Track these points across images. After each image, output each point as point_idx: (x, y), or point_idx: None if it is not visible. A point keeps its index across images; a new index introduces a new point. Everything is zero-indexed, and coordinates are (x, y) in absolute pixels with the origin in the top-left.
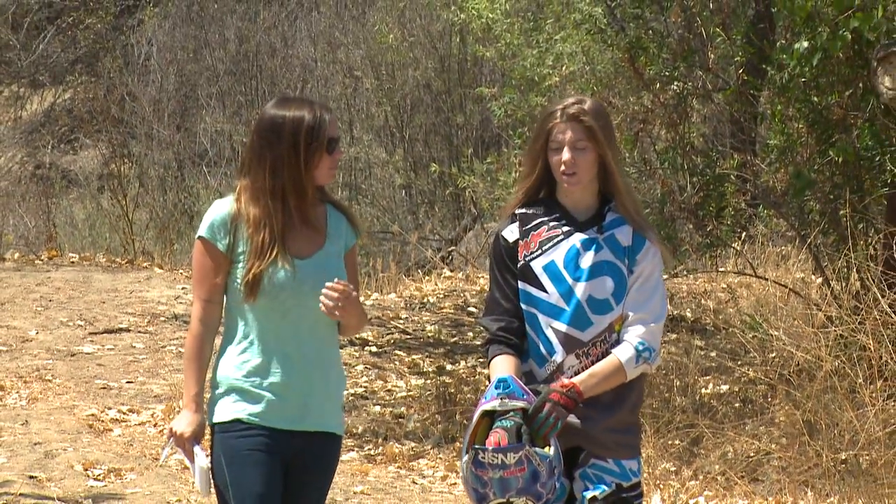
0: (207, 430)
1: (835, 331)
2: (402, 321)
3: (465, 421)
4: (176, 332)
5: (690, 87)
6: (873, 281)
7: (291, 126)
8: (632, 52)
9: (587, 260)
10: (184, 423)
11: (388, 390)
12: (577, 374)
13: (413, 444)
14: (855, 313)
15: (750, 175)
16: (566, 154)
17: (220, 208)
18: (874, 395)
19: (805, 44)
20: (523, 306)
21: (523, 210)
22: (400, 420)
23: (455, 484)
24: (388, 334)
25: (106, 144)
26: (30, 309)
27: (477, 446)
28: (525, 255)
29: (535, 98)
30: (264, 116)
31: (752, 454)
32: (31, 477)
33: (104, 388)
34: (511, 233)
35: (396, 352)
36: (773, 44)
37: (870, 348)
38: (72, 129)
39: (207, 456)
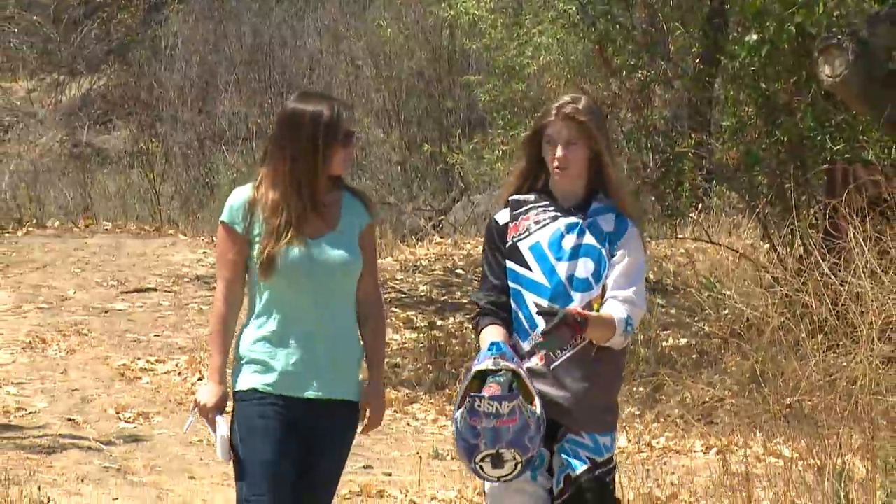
0: (230, 402)
1: (780, 291)
2: (397, 282)
3: (453, 370)
4: (198, 291)
5: (653, 74)
6: (815, 246)
7: (311, 119)
8: (601, 43)
9: (569, 242)
10: (207, 394)
11: (386, 343)
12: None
13: (407, 391)
14: (798, 275)
15: (706, 153)
16: (559, 151)
17: (240, 195)
18: (815, 347)
19: (755, 36)
20: (510, 283)
21: (516, 197)
22: (396, 369)
23: (444, 426)
24: (385, 294)
25: (136, 125)
26: (68, 271)
27: (474, 394)
28: (513, 237)
29: (516, 85)
30: (286, 110)
31: (707, 400)
32: (70, 419)
33: (134, 340)
34: (503, 216)
35: (393, 309)
36: (727, 36)
37: (811, 306)
38: (106, 112)
39: (228, 426)
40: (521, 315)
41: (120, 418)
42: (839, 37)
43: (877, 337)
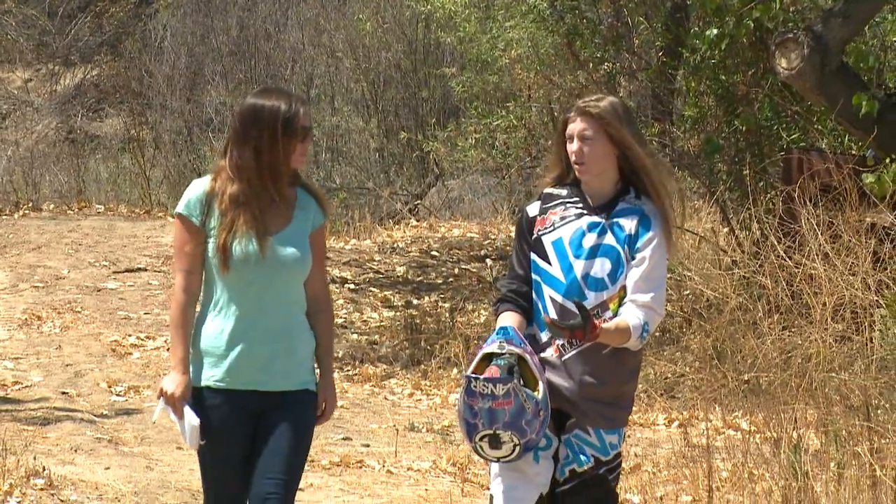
0: None
1: (739, 272)
2: (375, 263)
3: (428, 347)
4: None
5: (618, 67)
6: (771, 230)
7: (270, 114)
8: (569, 37)
9: (589, 240)
10: (173, 384)
11: (364, 321)
12: (569, 343)
13: (385, 366)
14: (755, 258)
15: (668, 141)
16: (575, 144)
17: (197, 187)
18: (772, 326)
19: (714, 31)
20: (532, 274)
21: (549, 191)
22: (374, 346)
23: (420, 400)
24: (363, 274)
25: (127, 113)
26: (62, 251)
27: (470, 374)
28: (539, 230)
29: (488, 76)
30: (246, 104)
31: (669, 376)
32: (64, 393)
33: (125, 318)
34: (533, 209)
35: (371, 289)
36: (688, 31)
37: (768, 287)
38: (98, 101)
39: (196, 414)
40: (539, 306)
41: (111, 392)
42: (795, 31)
43: (829, 316)
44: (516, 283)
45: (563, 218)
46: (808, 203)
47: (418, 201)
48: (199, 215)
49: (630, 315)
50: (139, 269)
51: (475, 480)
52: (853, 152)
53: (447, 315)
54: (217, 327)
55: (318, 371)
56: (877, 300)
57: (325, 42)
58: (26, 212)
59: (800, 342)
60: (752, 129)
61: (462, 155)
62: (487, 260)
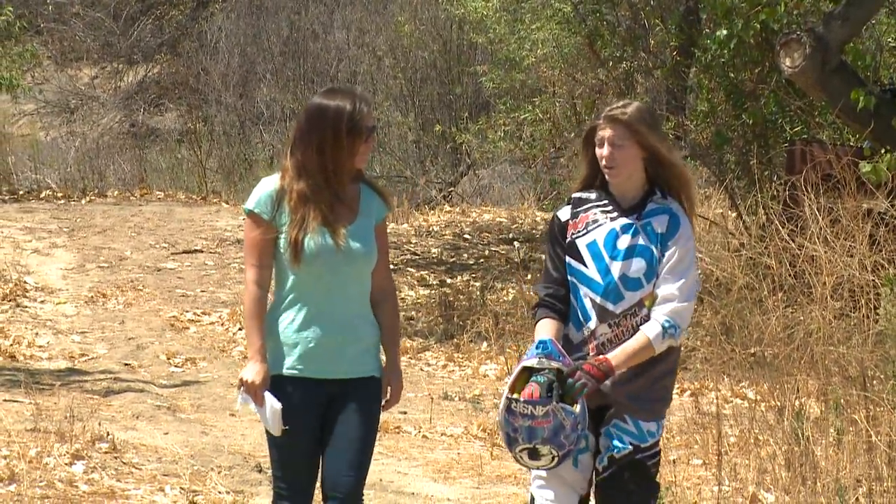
0: None
1: (746, 254)
2: (412, 245)
3: (460, 322)
4: (239, 252)
5: (636, 65)
6: (776, 216)
7: (335, 114)
8: (591, 38)
9: (623, 242)
10: (252, 372)
11: (402, 298)
12: (608, 341)
13: (421, 340)
14: (761, 241)
15: (682, 133)
16: (605, 150)
17: (267, 185)
18: (776, 304)
19: (724, 32)
20: (569, 277)
21: (578, 195)
22: (411, 321)
23: (453, 371)
24: (401, 255)
25: (185, 108)
26: (126, 234)
27: (511, 396)
28: (572, 234)
29: (516, 74)
30: (312, 104)
31: (681, 349)
32: (126, 364)
33: (183, 295)
34: (564, 213)
35: (408, 269)
36: (700, 32)
37: (773, 268)
38: (159, 96)
39: (278, 399)
40: (576, 307)
41: (170, 363)
42: (798, 32)
43: (829, 295)
44: (553, 287)
45: (595, 221)
46: (809, 191)
47: (451, 188)
48: (270, 211)
49: (648, 327)
50: (196, 251)
51: (503, 445)
52: (851, 144)
53: (478, 293)
54: (289, 319)
55: (384, 358)
56: (873, 280)
57: (368, 42)
58: (92, 198)
59: (802, 318)
60: (759, 122)
61: (492, 146)
62: (515, 242)
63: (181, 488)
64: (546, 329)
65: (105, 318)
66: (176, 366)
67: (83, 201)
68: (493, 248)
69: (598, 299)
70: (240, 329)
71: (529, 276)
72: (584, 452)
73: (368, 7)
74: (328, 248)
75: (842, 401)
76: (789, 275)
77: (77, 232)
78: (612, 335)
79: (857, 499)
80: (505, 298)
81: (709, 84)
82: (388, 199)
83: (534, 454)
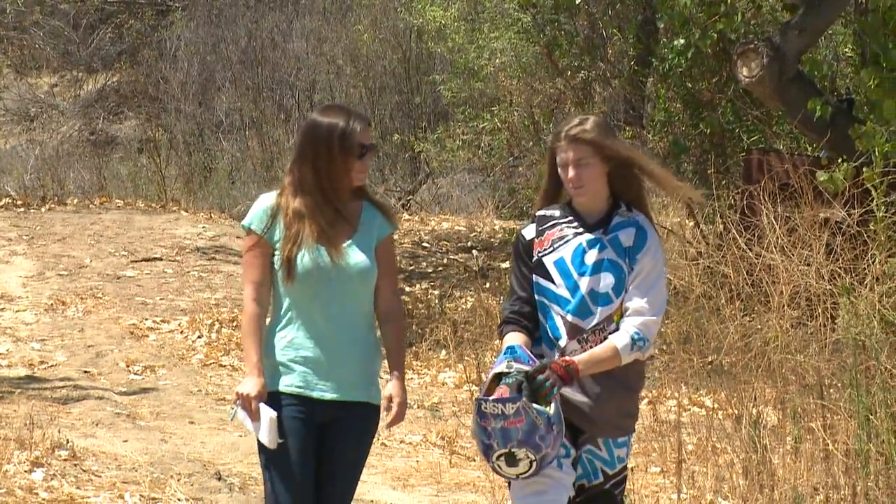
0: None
1: (703, 263)
2: None
3: (419, 330)
4: (198, 260)
5: (594, 74)
6: (733, 224)
7: (327, 131)
8: (549, 47)
9: (591, 257)
10: (248, 386)
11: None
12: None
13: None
14: (719, 249)
15: (639, 143)
16: (571, 172)
17: (264, 201)
18: (733, 312)
19: (681, 41)
20: (536, 296)
21: (542, 213)
22: None
23: (411, 379)
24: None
25: (144, 116)
26: (85, 242)
27: (479, 397)
28: (539, 252)
29: (475, 83)
30: (308, 122)
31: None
32: (86, 371)
33: (142, 303)
34: (529, 231)
35: None
36: (657, 41)
37: (730, 277)
38: (118, 105)
39: (273, 410)
40: (546, 326)
41: (129, 371)
42: (755, 42)
43: (786, 303)
44: (518, 304)
45: (561, 238)
46: (766, 199)
47: (410, 197)
48: (266, 228)
49: (617, 337)
50: (155, 259)
51: (462, 452)
52: (808, 153)
53: (436, 301)
54: (285, 337)
55: (389, 377)
56: (830, 289)
57: (327, 51)
58: (52, 206)
59: (759, 327)
60: (716, 131)
61: (450, 155)
62: (474, 251)
63: (141, 495)
64: (513, 339)
65: (64, 325)
66: (135, 373)
67: (43, 209)
68: (451, 257)
69: (568, 317)
70: (199, 337)
71: (488, 285)
72: (567, 458)
73: (327, 16)
74: (322, 264)
75: (799, 409)
76: (747, 283)
77: (36, 240)
78: (581, 351)
79: None
80: (463, 307)
81: (666, 93)
82: (391, 217)
83: (511, 460)
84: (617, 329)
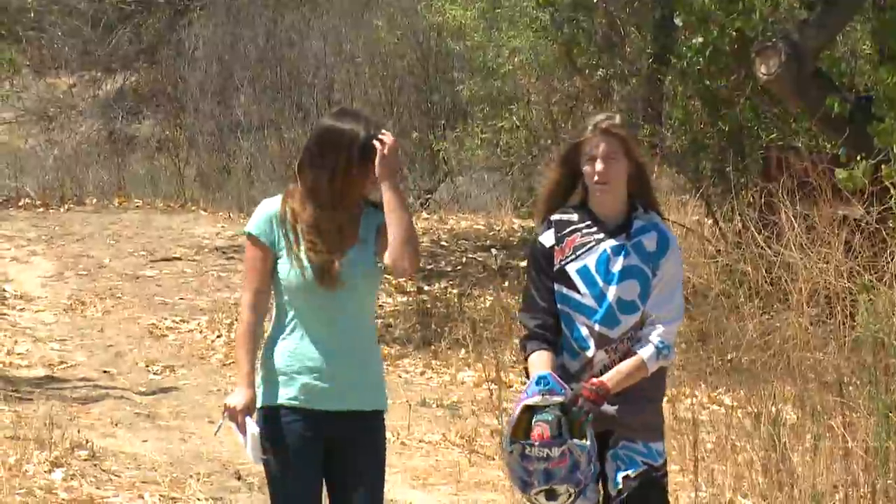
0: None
1: (722, 261)
2: None
3: (438, 329)
4: (217, 260)
5: (612, 72)
6: (751, 222)
7: (348, 139)
8: (567, 45)
9: (617, 265)
10: (237, 398)
11: (380, 305)
12: (605, 367)
13: (399, 347)
14: (738, 247)
15: (658, 141)
16: (599, 165)
17: (267, 207)
18: (752, 310)
19: (700, 40)
20: (559, 305)
21: (559, 217)
22: (389, 328)
23: (430, 378)
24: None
25: (163, 116)
26: (104, 242)
27: (524, 441)
28: (560, 260)
29: (494, 82)
30: (323, 126)
31: None
32: (105, 371)
33: (162, 303)
34: (548, 238)
35: (385, 276)
36: (675, 39)
37: (749, 274)
38: (137, 105)
39: (258, 426)
40: (570, 337)
41: (149, 371)
42: (773, 40)
43: (805, 301)
44: (541, 317)
45: (583, 244)
46: (785, 197)
47: (429, 196)
48: (269, 234)
49: (643, 349)
50: (174, 258)
51: (481, 451)
52: (827, 151)
53: (455, 300)
54: (288, 347)
55: (385, 375)
56: (849, 286)
57: (346, 50)
58: (71, 206)
59: (778, 325)
60: (735, 129)
61: (469, 153)
62: (492, 249)
63: (160, 495)
64: (542, 362)
65: (84, 325)
66: (155, 373)
67: (62, 209)
68: (470, 255)
69: (595, 326)
70: (218, 336)
71: (507, 284)
72: (592, 479)
73: (346, 15)
74: (325, 275)
75: (818, 407)
76: (765, 281)
77: (56, 240)
78: (608, 361)
79: None
80: (482, 305)
81: (684, 91)
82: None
83: (551, 495)
84: (640, 337)
